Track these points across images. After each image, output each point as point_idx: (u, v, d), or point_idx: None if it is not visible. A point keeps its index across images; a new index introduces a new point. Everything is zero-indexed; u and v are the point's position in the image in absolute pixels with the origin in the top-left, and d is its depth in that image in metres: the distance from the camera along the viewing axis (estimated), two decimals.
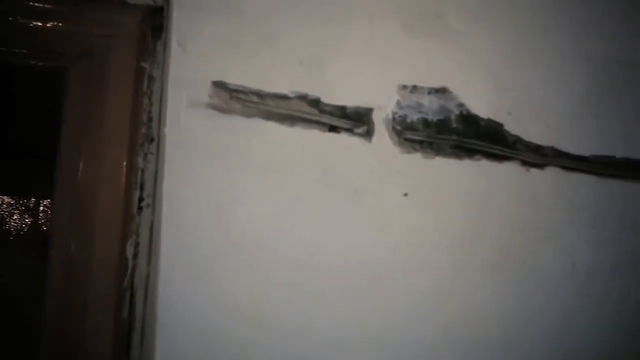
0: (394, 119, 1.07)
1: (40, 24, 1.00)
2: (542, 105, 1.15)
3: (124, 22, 1.03)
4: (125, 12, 1.02)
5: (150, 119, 1.01)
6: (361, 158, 1.04)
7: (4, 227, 2.78)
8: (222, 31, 1.01)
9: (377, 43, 1.08)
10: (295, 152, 1.01)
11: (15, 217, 2.82)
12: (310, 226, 1.00)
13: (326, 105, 1.04)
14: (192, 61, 0.99)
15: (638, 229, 1.16)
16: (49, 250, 1.01)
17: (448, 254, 1.06)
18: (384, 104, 1.07)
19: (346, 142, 1.04)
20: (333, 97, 1.04)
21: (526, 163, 1.12)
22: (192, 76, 0.98)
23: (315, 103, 1.03)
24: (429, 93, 1.09)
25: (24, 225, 2.83)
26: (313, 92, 1.03)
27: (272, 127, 1.01)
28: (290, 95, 1.02)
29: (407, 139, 1.07)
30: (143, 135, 1.01)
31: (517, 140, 1.12)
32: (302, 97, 1.03)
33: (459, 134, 1.10)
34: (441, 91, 1.10)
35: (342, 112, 1.04)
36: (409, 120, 1.08)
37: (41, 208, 2.85)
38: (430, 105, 1.09)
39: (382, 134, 1.06)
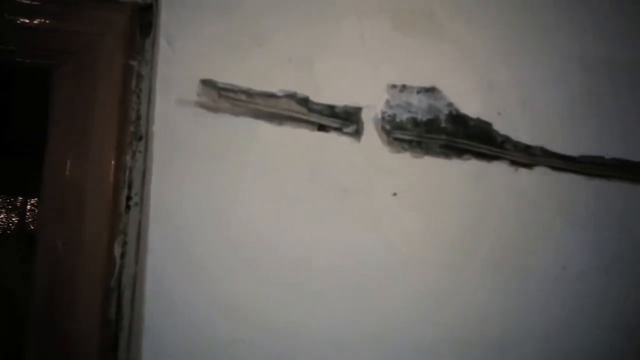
0: (383, 118, 1.07)
1: (27, 20, 0.99)
2: (532, 106, 1.15)
3: (113, 20, 1.02)
4: (114, 10, 1.01)
5: (138, 117, 1.01)
6: (350, 157, 1.04)
7: None
8: (211, 29, 1.01)
9: (366, 42, 1.08)
10: (284, 151, 1.01)
11: (2, 215, 2.80)
12: (298, 225, 1.00)
13: (315, 104, 1.03)
14: (181, 59, 0.98)
15: (628, 229, 1.17)
16: (36, 249, 1.01)
17: (438, 253, 1.06)
18: (373, 103, 1.07)
19: (335, 141, 1.04)
20: (322, 96, 1.04)
21: (515, 163, 1.13)
22: (181, 74, 0.98)
23: (304, 102, 1.03)
24: (419, 92, 1.09)
25: (10, 224, 2.81)
26: (302, 90, 1.03)
27: (261, 125, 1.00)
28: (279, 94, 1.02)
29: (396, 139, 1.07)
30: (131, 133, 1.00)
31: (506, 140, 1.13)
32: (291, 96, 1.02)
33: (448, 133, 1.10)
34: (430, 90, 1.10)
35: (331, 111, 1.04)
36: (398, 119, 1.08)
37: (28, 207, 2.83)
38: (420, 105, 1.09)
39: (371, 133, 1.06)
